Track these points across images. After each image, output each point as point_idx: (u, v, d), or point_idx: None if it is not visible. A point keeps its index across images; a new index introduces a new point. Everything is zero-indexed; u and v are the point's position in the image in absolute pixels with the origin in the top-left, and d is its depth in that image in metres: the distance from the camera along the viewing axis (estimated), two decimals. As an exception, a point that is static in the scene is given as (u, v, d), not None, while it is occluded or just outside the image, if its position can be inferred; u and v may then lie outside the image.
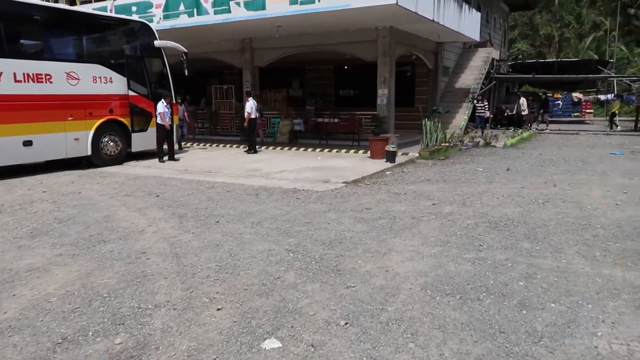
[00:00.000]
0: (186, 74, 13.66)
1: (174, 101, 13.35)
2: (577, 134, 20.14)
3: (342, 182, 9.08)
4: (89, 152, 11.29)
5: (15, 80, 9.78)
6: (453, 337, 3.25)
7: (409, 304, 3.76)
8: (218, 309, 3.70)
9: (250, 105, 13.50)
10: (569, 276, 4.32)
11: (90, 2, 15.83)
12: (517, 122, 21.45)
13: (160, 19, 14.48)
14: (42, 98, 10.24)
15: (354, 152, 13.48)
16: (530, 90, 31.41)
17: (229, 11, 13.26)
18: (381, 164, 11.23)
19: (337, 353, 3.06)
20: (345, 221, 6.23)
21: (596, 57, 35.35)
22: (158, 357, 3.04)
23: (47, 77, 10.31)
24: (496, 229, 5.84)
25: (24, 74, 9.90)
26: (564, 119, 32.13)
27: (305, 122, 16.39)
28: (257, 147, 13.93)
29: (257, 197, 7.76)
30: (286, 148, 14.63)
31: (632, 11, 35.03)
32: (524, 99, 21.56)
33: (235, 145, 15.48)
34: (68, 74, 10.67)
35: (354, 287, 4.11)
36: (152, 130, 12.60)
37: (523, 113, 21.39)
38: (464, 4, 16.07)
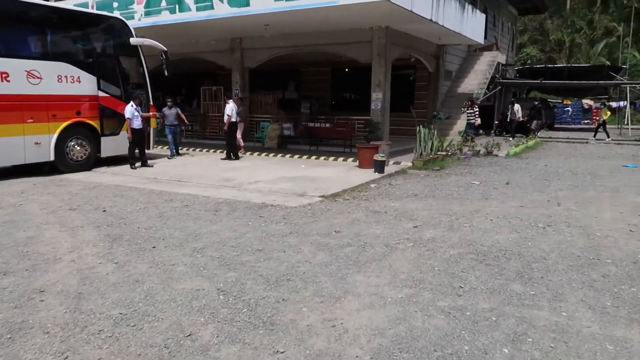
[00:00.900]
0: (166, 74, 12.76)
1: (151, 103, 12.45)
2: (586, 142, 19.00)
3: (318, 196, 8.09)
4: (52, 157, 10.39)
5: (-35, 79, 8.92)
6: None
7: (348, 384, 2.76)
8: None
9: (231, 108, 12.56)
10: (570, 340, 3.30)
11: (70, -3, 15.01)
12: (525, 129, 20.33)
13: (141, 15, 13.65)
14: (-2, 98, 9.36)
15: (343, 160, 12.49)
16: (538, 97, 30.26)
17: (211, 7, 12.37)
18: (368, 175, 10.23)
19: None
20: (305, 249, 5.23)
21: (608, 63, 34.10)
22: None
23: (3, 75, 9.42)
24: (484, 262, 4.82)
25: (-25, 71, 9.03)
26: (573, 126, 30.95)
27: (296, 127, 15.43)
28: (238, 153, 12.94)
29: (215, 214, 6.79)
30: (272, 154, 13.67)
31: (646, 16, 33.77)
32: (519, 105, 20.35)
33: (220, 150, 14.51)
34: (28, 72, 9.77)
35: (282, 352, 3.12)
36: (124, 134, 11.66)
37: (519, 120, 20.19)
38: (466, 4, 15.06)
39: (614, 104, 26.43)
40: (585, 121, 32.05)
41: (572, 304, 3.89)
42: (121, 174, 10.56)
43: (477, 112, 16.29)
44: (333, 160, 12.61)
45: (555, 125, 28.72)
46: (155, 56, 17.48)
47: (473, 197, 8.11)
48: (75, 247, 5.29)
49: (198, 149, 15.13)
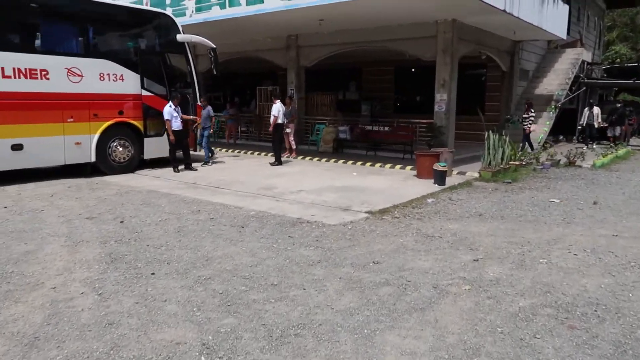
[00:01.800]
0: (215, 72, 12.15)
1: (198, 103, 11.88)
2: (689, 152, 16.44)
3: (364, 212, 7.01)
4: (93, 159, 10.03)
5: (4, 76, 8.66)
6: None
7: None
8: None
9: (277, 108, 11.73)
10: None
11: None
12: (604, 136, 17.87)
13: (192, 12, 13.14)
14: (36, 96, 9.05)
15: (401, 168, 11.27)
16: (629, 99, 27.17)
17: (261, 1, 11.57)
18: (426, 187, 8.99)
19: None
20: (331, 286, 4.19)
21: None
22: None
23: (43, 73, 9.12)
24: (566, 323, 3.55)
25: (14, 68, 8.75)
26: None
27: (352, 130, 14.37)
28: (281, 158, 12.02)
29: (240, 232, 5.90)
30: (324, 159, 12.70)
31: None
32: (598, 109, 17.59)
33: (271, 154, 13.73)
34: (69, 69, 9.44)
35: None
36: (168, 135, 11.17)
37: (597, 125, 17.49)
38: (548, -7, 13.32)
39: None
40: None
41: None
42: (161, 178, 10.02)
43: (533, 117, 14.38)
44: (390, 167, 11.43)
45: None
46: (219, 55, 17.26)
47: (551, 220, 6.68)
48: (66, 268, 4.58)
49: (250, 152, 14.46)
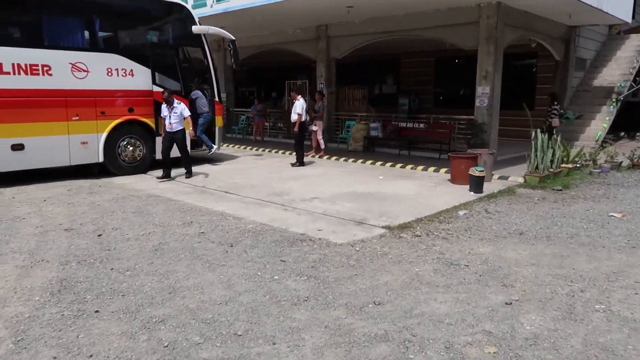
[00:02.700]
0: (234, 66, 11.38)
1: (217, 99, 11.11)
2: None
3: (381, 227, 5.97)
4: (101, 159, 9.45)
5: (2, 72, 8.14)
6: None
7: None
8: None
9: (301, 105, 10.75)
10: None
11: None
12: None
13: (213, 2, 12.37)
14: (37, 94, 8.51)
15: (434, 171, 10.08)
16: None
17: (281, -12, 10.65)
18: (460, 194, 7.82)
19: None
20: (311, 340, 3.21)
21: None
22: None
23: (45, 68, 8.56)
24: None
25: (13, 64, 8.22)
26: None
27: (384, 127, 13.24)
28: (303, 159, 11.01)
29: (227, 252, 5.01)
30: (351, 159, 11.65)
31: None
32: None
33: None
34: (73, 65, 8.86)
35: None
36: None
37: None
38: (610, -29, 11.68)
39: None
40: None
41: None
42: (171, 180, 9.32)
43: (555, 110, 12.80)
44: (422, 170, 10.26)
45: None
46: (247, 48, 16.56)
47: (611, 242, 5.41)
48: (2, 299, 3.82)
49: (274, 150, 13.61)
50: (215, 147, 11.22)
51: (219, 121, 11.27)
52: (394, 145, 13.12)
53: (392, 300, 3.83)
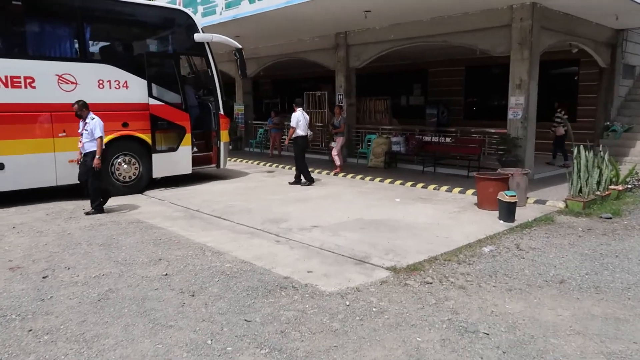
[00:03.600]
0: (241, 76, 10.54)
1: (221, 112, 10.26)
2: None
3: (385, 268, 4.89)
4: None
5: (-22, 85, 7.51)
6: None
7: None
8: None
9: (297, 118, 9.77)
10: None
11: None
12: None
13: (222, 8, 11.60)
14: (19, 108, 7.86)
15: (460, 192, 8.89)
16: None
17: (291, -8, 9.75)
18: (488, 223, 6.62)
19: None
20: None
21: None
22: None
23: (28, 80, 7.91)
24: None
25: (-9, 76, 7.59)
26: None
27: (407, 141, 12.10)
28: (301, 177, 9.97)
29: (183, 306, 4.03)
30: (368, 178, 10.55)
31: None
32: None
33: (317, 171, 11.85)
34: (60, 76, 8.18)
35: None
36: (184, 151, 9.67)
37: None
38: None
39: None
40: None
41: None
42: (167, 201, 8.52)
43: (559, 118, 11.51)
44: (446, 190, 9.07)
45: None
46: (265, 58, 15.80)
47: (683, 297, 4.15)
48: None
49: (288, 166, 12.62)
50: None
51: (224, 136, 10.40)
52: (418, 161, 11.97)
53: (376, 396, 2.75)
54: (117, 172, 9.02)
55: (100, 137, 7.40)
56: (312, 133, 10.62)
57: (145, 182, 9.41)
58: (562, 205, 7.60)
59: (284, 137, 15.96)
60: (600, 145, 8.95)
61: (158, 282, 4.53)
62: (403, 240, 5.82)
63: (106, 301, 4.10)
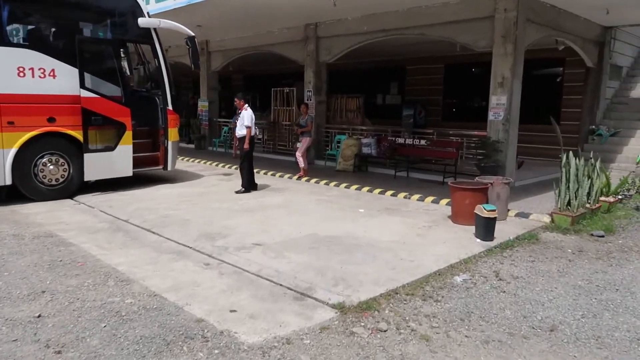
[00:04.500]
0: (193, 68, 9.38)
1: (169, 107, 9.09)
2: None
3: (331, 306, 3.83)
4: (8, 181, 7.48)
5: None
6: None
7: None
8: None
9: (250, 116, 8.66)
10: None
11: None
12: None
13: (176, -7, 10.41)
14: None
15: (433, 201, 7.89)
16: None
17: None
18: (463, 242, 5.62)
19: None
20: None
21: None
22: None
23: None
24: None
25: None
26: None
27: (379, 143, 11.08)
28: (247, 183, 8.82)
29: (39, 367, 2.90)
30: (333, 183, 9.49)
31: None
32: None
33: (288, 175, 10.76)
34: (-34, 62, 6.94)
35: None
36: (123, 150, 8.47)
37: None
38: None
39: None
40: None
41: None
42: (95, 209, 7.34)
43: None
44: (417, 199, 8.06)
45: None
46: (232, 50, 14.59)
47: None
48: None
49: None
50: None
51: (172, 134, 9.23)
52: (390, 165, 10.96)
53: None
54: (41, 174, 7.79)
55: None
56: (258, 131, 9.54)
57: (77, 186, 8.21)
58: (547, 219, 6.64)
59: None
60: (591, 152, 8.04)
61: (22, 330, 3.39)
62: (359, 266, 4.76)
63: None
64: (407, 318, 3.65)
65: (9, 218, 6.62)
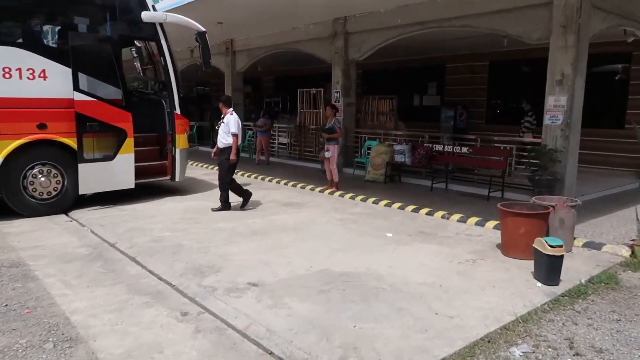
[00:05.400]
0: (204, 67, 8.42)
1: (177, 110, 8.15)
2: None
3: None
4: (-7, 194, 6.70)
5: None
6: None
7: None
8: None
9: (236, 122, 7.38)
10: None
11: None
12: None
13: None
14: None
15: (477, 223, 6.57)
16: None
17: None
18: (519, 287, 4.33)
19: None
20: None
21: None
22: None
23: None
24: None
25: None
26: None
27: (414, 150, 9.81)
28: (235, 196, 7.64)
29: None
30: (360, 197, 8.29)
31: None
32: None
33: (300, 185, 9.67)
34: (-58, 62, 6.17)
35: None
36: (123, 160, 7.57)
37: None
38: None
39: None
40: None
41: None
42: (85, 228, 6.50)
43: (528, 123, 10.31)
44: (458, 220, 6.77)
45: None
46: (257, 49, 13.72)
47: None
48: None
49: (275, 179, 10.40)
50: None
51: (181, 141, 8.28)
52: (426, 175, 9.69)
53: None
54: (31, 187, 6.98)
55: None
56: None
57: (72, 200, 7.37)
58: (626, 252, 5.25)
59: (271, 141, 13.85)
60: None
61: None
62: (378, 324, 3.58)
63: None
64: None
65: (-15, 239, 5.81)
